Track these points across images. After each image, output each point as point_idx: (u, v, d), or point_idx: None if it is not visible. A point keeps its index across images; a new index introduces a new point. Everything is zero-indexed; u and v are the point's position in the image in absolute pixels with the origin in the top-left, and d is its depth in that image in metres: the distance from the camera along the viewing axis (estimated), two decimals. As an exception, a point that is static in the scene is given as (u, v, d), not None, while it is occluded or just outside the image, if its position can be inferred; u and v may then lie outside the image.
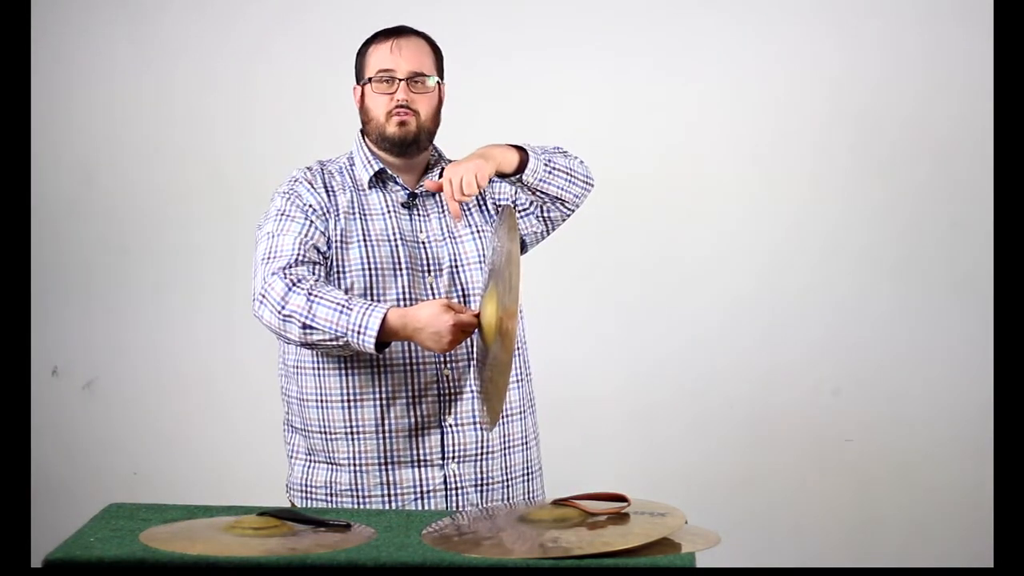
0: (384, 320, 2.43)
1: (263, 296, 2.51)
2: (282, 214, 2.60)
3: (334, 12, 3.88)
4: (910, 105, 3.84)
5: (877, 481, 3.88)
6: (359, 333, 2.44)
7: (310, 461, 2.65)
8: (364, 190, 2.65)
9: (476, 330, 2.46)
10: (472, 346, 2.60)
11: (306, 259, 2.55)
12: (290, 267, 2.52)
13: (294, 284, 2.49)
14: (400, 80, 2.61)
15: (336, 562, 2.00)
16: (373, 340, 2.43)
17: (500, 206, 2.69)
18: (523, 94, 3.87)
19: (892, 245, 3.86)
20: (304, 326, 2.47)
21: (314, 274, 2.54)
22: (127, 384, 3.97)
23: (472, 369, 2.61)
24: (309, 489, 2.64)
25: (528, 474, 2.70)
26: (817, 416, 3.89)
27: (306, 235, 2.57)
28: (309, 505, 2.64)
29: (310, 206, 2.60)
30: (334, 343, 2.47)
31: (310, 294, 2.47)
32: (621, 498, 2.21)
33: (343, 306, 2.45)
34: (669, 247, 3.90)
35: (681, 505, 2.22)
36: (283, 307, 2.48)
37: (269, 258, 2.55)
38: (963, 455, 3.83)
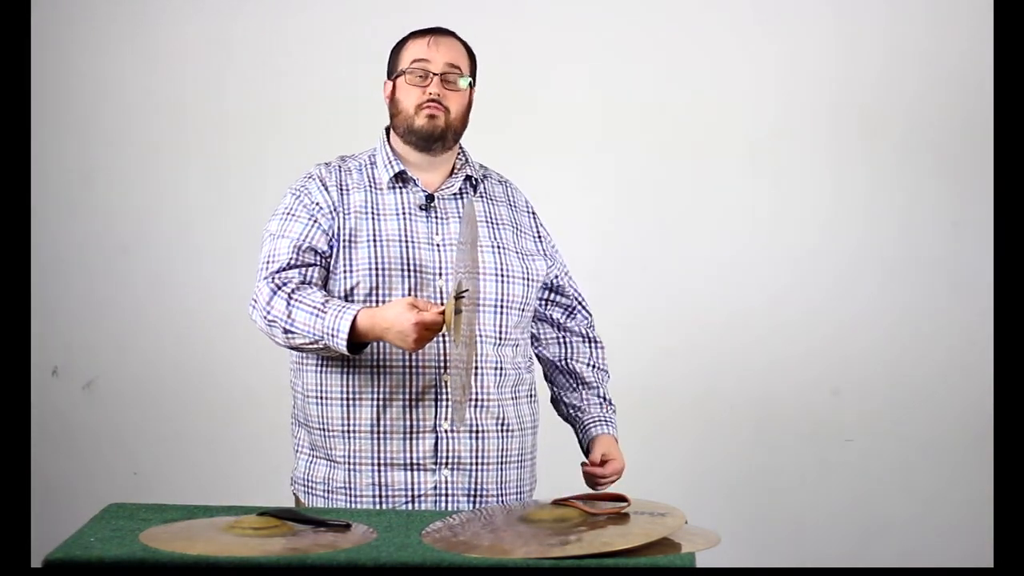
0: (355, 322, 2.44)
1: (254, 301, 2.55)
2: (288, 213, 2.62)
3: (336, 13, 3.88)
4: (910, 105, 3.83)
5: (877, 481, 3.88)
6: (332, 336, 2.45)
7: (312, 456, 2.65)
8: (381, 190, 2.65)
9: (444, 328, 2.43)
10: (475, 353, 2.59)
11: (300, 262, 2.56)
12: (281, 271, 2.55)
13: (278, 288, 2.52)
14: (434, 75, 2.62)
15: (336, 562, 1.99)
16: (345, 342, 2.44)
17: (466, 198, 2.66)
18: (528, 95, 3.86)
19: (892, 245, 3.86)
20: (285, 330, 2.50)
21: (304, 277, 2.55)
22: (127, 384, 3.96)
23: (470, 375, 2.60)
24: (310, 484, 2.64)
25: (520, 494, 2.67)
26: (817, 416, 3.89)
27: (305, 237, 2.58)
28: (309, 499, 2.64)
29: (316, 204, 2.61)
30: (314, 346, 2.49)
31: (290, 298, 2.50)
32: (621, 498, 2.22)
33: (319, 309, 2.47)
34: (669, 248, 3.90)
35: (681, 505, 2.22)
36: (268, 312, 2.51)
37: (266, 262, 2.58)
38: (963, 455, 3.83)
